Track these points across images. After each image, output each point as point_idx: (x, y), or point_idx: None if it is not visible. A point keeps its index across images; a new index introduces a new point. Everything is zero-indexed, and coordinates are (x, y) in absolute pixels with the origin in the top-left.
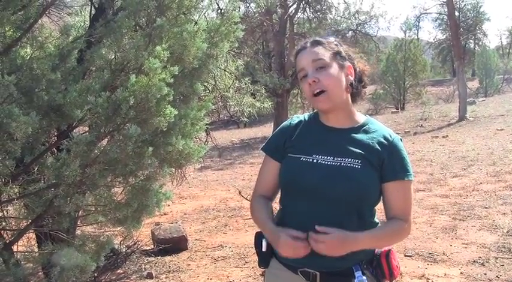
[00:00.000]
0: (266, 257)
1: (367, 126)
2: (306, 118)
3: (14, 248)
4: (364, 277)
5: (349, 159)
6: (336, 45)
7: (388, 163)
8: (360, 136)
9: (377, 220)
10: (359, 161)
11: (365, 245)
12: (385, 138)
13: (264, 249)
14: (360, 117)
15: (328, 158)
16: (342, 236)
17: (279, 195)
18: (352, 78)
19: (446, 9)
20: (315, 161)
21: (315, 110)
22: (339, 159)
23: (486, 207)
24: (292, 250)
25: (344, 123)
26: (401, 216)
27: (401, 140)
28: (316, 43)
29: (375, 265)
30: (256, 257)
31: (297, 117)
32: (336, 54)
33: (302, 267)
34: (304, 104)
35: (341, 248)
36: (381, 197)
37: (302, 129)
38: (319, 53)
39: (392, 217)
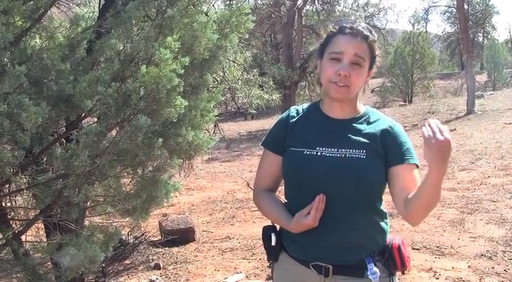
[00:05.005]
0: (275, 251)
1: (368, 116)
2: (305, 109)
3: (23, 238)
4: (377, 269)
5: (354, 150)
6: (376, 46)
7: (393, 148)
8: (362, 126)
9: (385, 210)
10: (364, 151)
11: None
12: (388, 125)
13: (273, 243)
14: (361, 107)
15: (332, 149)
16: None
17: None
18: (368, 80)
19: (455, 2)
20: (319, 154)
21: (314, 101)
22: (343, 150)
23: (494, 201)
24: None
25: (346, 113)
26: None
27: None
28: (365, 38)
29: (387, 257)
30: (264, 251)
31: (295, 108)
32: (372, 59)
33: (314, 261)
34: (311, 97)
35: None
36: (387, 186)
37: (302, 121)
38: (365, 51)
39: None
